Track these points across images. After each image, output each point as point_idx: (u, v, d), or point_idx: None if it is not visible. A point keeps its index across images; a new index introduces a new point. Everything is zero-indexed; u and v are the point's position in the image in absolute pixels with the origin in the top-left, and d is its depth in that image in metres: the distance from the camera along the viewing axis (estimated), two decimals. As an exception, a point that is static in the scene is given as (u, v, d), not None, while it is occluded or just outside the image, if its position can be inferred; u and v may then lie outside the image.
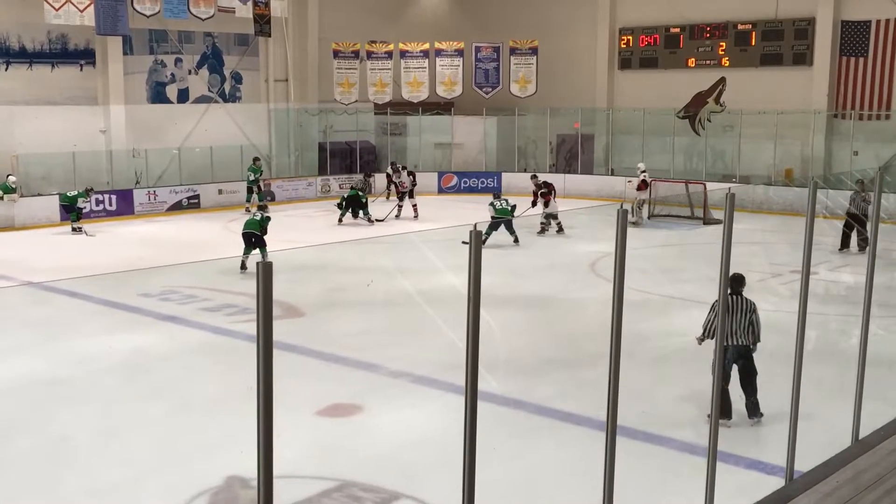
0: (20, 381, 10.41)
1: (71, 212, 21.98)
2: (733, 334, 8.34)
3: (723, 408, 7.94)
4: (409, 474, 7.71)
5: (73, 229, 21.68)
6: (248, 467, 7.32)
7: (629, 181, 23.55)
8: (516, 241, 19.64)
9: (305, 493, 7.24)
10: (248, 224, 16.59)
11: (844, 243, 18.63)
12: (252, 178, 25.66)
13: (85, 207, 22.31)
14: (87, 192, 22.48)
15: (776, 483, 6.76)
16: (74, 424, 9.08)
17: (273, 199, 27.13)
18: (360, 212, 23.12)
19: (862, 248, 18.23)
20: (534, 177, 23.16)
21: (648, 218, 23.32)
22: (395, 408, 9.59)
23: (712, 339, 8.08)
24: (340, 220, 22.96)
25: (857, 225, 18.65)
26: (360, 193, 23.53)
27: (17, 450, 8.40)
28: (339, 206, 23.30)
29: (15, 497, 7.42)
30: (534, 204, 21.47)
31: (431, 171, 29.89)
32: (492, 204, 20.35)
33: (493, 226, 19.48)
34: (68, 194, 22.22)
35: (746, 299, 8.49)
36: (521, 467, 7.90)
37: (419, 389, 10.13)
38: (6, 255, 18.80)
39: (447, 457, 6.90)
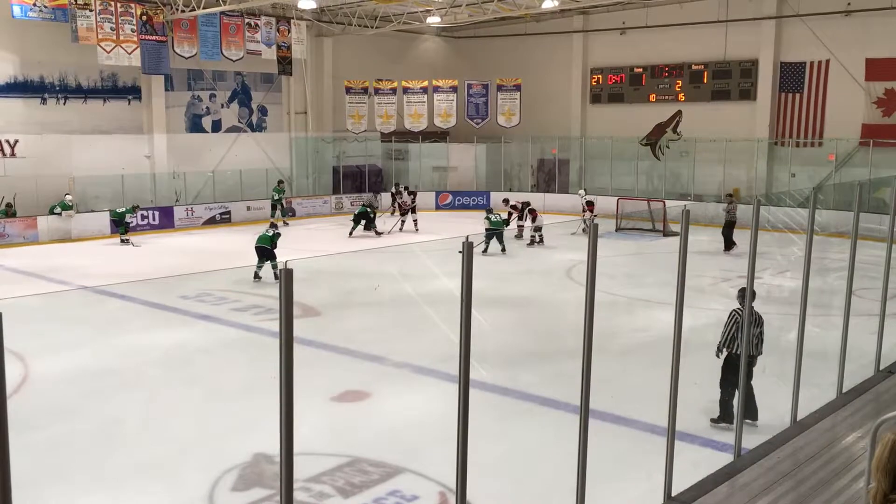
0: (76, 371, 10.38)
1: (119, 226, 21.86)
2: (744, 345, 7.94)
3: (751, 409, 7.80)
4: (411, 451, 7.68)
5: (122, 241, 21.60)
6: (273, 445, 7.30)
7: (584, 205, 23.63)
8: (503, 249, 19.69)
9: (321, 467, 7.21)
10: (260, 239, 16.29)
11: (728, 245, 19.68)
12: (276, 197, 25.79)
13: (132, 222, 22.22)
14: (134, 209, 22.42)
15: (726, 458, 6.75)
16: (123, 409, 9.05)
17: (294, 215, 27.16)
18: (369, 225, 23.17)
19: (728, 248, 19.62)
20: (505, 201, 23.35)
21: (616, 230, 23.35)
22: (399, 394, 9.56)
23: (730, 351, 7.81)
24: (351, 234, 22.93)
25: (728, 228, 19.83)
26: (369, 210, 23.51)
27: (74, 431, 8.36)
28: (355, 220, 23.32)
29: (73, 471, 7.38)
30: (507, 223, 21.42)
31: (430, 190, 29.89)
32: (487, 218, 20.48)
33: (489, 236, 19.61)
34: (117, 210, 22.15)
35: (757, 313, 7.94)
36: (507, 445, 7.89)
37: (419, 378, 10.11)
38: (64, 263, 18.73)
39: (443, 435, 6.88)
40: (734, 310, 7.94)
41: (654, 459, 6.25)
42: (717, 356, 7.98)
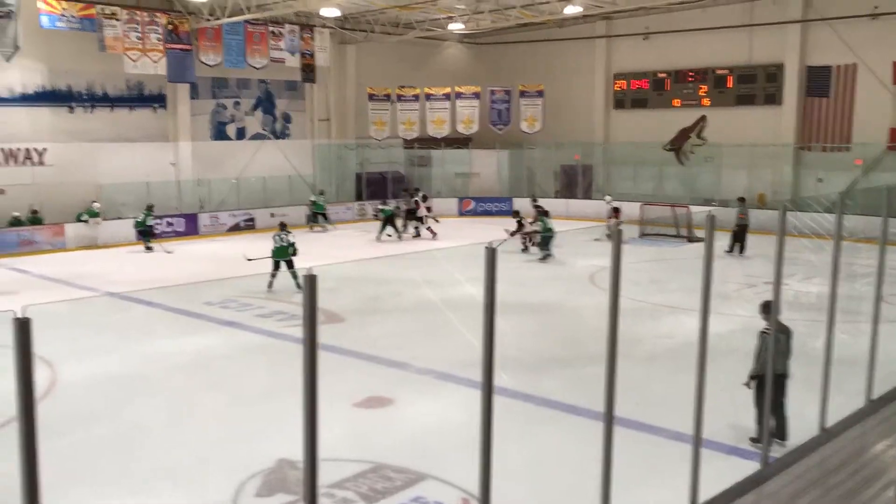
0: (103, 376, 10.48)
1: (145, 235, 21.93)
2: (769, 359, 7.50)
3: (780, 429, 7.57)
4: (434, 457, 7.66)
5: (147, 248, 21.72)
6: (296, 451, 7.32)
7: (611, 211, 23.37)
8: (548, 255, 19.59)
9: (344, 473, 7.22)
10: (277, 252, 15.99)
11: (732, 247, 19.91)
12: (319, 202, 26.50)
13: (155, 226, 22.26)
14: (150, 210, 22.28)
15: (753, 467, 6.67)
16: (148, 414, 9.11)
17: (319, 221, 27.38)
18: (392, 228, 23.33)
19: (741, 250, 19.77)
20: (534, 203, 23.13)
21: (640, 237, 23.21)
22: (421, 400, 9.55)
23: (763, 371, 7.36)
24: (379, 238, 23.25)
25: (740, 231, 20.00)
26: (395, 213, 23.79)
27: (99, 434, 8.44)
28: (383, 223, 23.65)
29: (98, 474, 7.45)
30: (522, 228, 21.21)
31: (452, 196, 29.94)
32: (541, 220, 20.06)
33: (544, 242, 19.36)
34: (138, 220, 22.15)
35: (787, 327, 7.63)
36: (530, 451, 7.85)
37: (442, 384, 10.08)
38: (91, 270, 18.95)
39: (466, 442, 6.86)
40: (762, 331, 7.60)
41: (678, 467, 6.19)
42: (748, 386, 7.63)
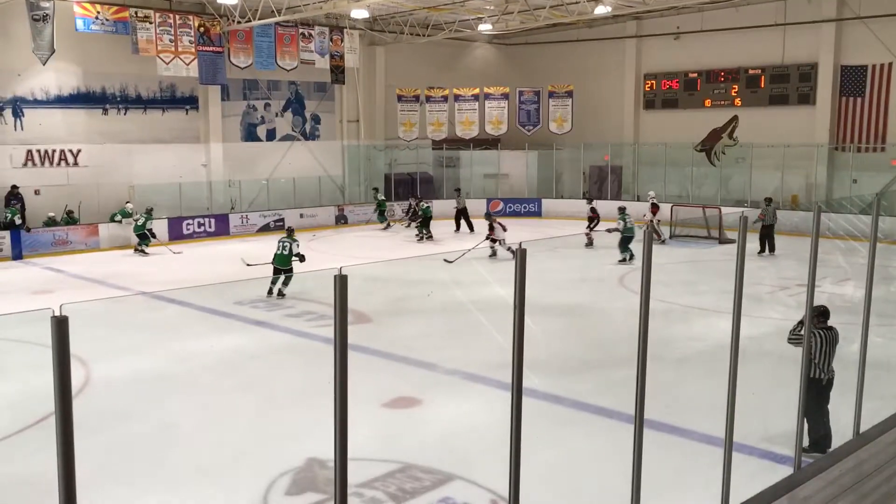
0: (135, 375, 10.61)
1: (144, 238, 21.42)
2: (827, 367, 7.49)
3: (824, 441, 7.44)
4: (462, 458, 7.66)
5: (141, 252, 21.23)
6: (325, 450, 7.36)
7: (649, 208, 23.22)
8: (631, 258, 18.81)
9: (373, 473, 7.25)
10: (277, 259, 15.29)
11: (763, 247, 19.67)
12: (379, 199, 27.18)
13: (151, 230, 21.58)
14: (150, 213, 21.86)
15: (786, 471, 6.59)
16: (179, 412, 9.22)
17: (346, 222, 27.59)
18: (424, 230, 23.54)
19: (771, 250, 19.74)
20: (589, 202, 23.17)
21: (670, 237, 23.04)
22: (450, 401, 9.56)
23: (811, 375, 7.28)
24: (422, 239, 23.60)
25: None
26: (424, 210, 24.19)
27: (132, 434, 8.54)
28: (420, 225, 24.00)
29: (130, 473, 7.54)
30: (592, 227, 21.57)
31: (481, 197, 29.88)
32: (623, 219, 19.28)
33: (625, 242, 19.02)
34: (137, 223, 21.55)
35: (835, 330, 7.53)
36: (559, 454, 7.82)
37: (470, 385, 10.08)
38: (123, 270, 19.22)
39: (495, 443, 6.86)
40: (816, 330, 7.47)
41: (710, 471, 6.13)
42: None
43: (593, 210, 22.28)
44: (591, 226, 21.84)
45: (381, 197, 27.71)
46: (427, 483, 7.16)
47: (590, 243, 21.47)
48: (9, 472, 7.56)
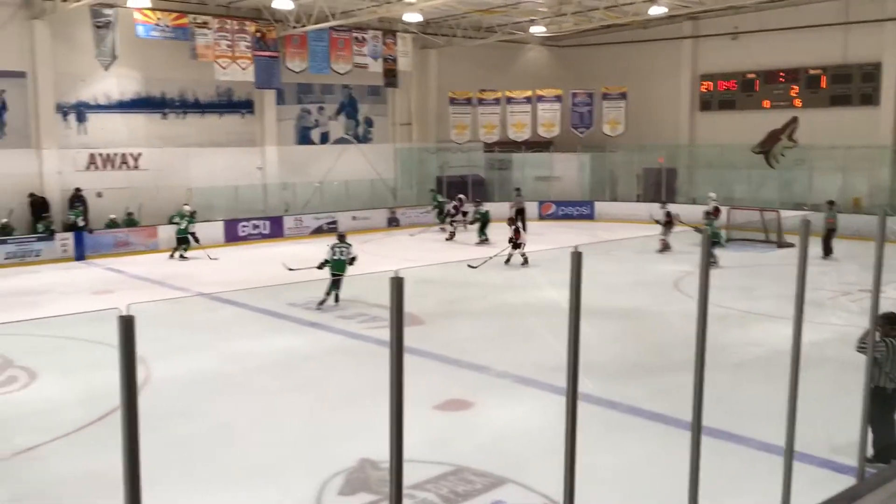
0: (192, 375, 10.84)
1: (184, 242, 21.35)
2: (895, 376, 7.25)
3: (889, 451, 7.22)
4: (515, 462, 7.64)
5: (181, 257, 21.07)
6: (377, 451, 7.43)
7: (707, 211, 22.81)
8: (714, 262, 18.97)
9: (425, 475, 7.28)
10: (336, 266, 14.94)
11: (827, 252, 19.58)
12: (438, 200, 27.33)
13: (193, 234, 21.36)
14: (193, 216, 21.78)
15: (847, 481, 6.42)
16: (235, 412, 9.38)
17: (398, 224, 27.71)
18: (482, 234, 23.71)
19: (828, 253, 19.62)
20: (664, 205, 22.89)
21: (727, 241, 22.61)
22: (502, 404, 9.53)
23: (875, 384, 7.08)
24: (482, 242, 23.67)
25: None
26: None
27: (188, 431, 8.72)
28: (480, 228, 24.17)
29: (186, 471, 7.70)
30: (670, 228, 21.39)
31: (532, 200, 29.74)
32: (709, 223, 19.64)
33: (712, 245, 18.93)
34: (180, 227, 21.38)
35: None
36: (613, 459, 7.74)
37: (523, 389, 10.05)
38: (182, 271, 19.63)
39: (548, 447, 6.81)
40: (886, 339, 7.27)
41: (768, 479, 6.01)
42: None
43: (669, 214, 21.77)
44: (667, 231, 21.41)
45: (441, 199, 27.68)
46: (479, 486, 7.16)
47: (665, 248, 21.08)
48: (75, 465, 7.80)
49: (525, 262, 19.17)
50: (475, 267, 16.66)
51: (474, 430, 8.74)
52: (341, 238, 15.76)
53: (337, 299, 15.07)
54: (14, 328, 13.21)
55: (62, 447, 8.27)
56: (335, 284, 14.80)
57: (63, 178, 22.71)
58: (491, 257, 17.82)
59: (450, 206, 26.27)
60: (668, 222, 21.50)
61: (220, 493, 7.22)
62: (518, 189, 27.86)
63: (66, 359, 11.57)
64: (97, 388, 9.81)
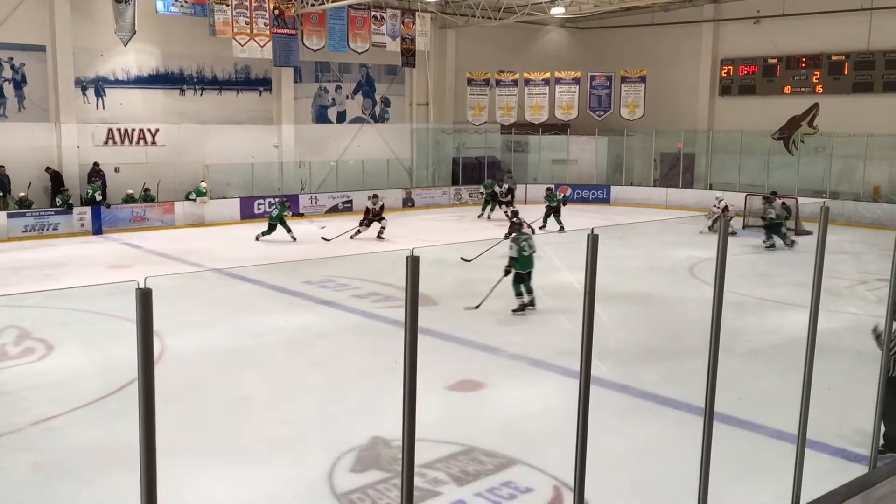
0: (208, 349, 10.91)
1: (273, 229, 20.33)
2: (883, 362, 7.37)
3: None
4: (526, 443, 7.68)
5: (292, 238, 20.23)
6: (389, 429, 7.48)
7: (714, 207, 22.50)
8: (790, 243, 19.27)
9: (436, 454, 7.32)
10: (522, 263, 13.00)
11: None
12: (488, 191, 25.67)
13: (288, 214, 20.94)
14: (284, 205, 21.24)
15: (860, 470, 6.41)
16: (250, 387, 9.45)
17: (413, 205, 27.69)
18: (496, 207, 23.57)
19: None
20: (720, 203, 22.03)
21: (743, 228, 22.42)
22: (514, 386, 9.57)
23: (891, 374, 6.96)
24: (489, 217, 23.50)
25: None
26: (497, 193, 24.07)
27: (205, 406, 8.81)
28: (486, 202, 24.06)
29: (204, 444, 7.78)
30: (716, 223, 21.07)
31: (549, 183, 29.64)
32: (771, 208, 19.61)
33: (771, 229, 19.12)
34: (273, 214, 20.77)
35: None
36: (625, 442, 7.75)
37: (535, 371, 10.06)
38: (197, 247, 19.73)
39: (559, 430, 6.84)
40: None
41: (780, 466, 6.01)
42: None
43: (726, 208, 20.85)
44: (714, 221, 20.99)
45: (487, 191, 25.95)
46: (490, 466, 7.19)
47: (732, 232, 20.76)
48: (92, 436, 7.91)
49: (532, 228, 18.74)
50: (469, 260, 16.60)
51: (486, 411, 8.77)
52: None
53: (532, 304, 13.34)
54: (31, 300, 13.36)
55: (78, 418, 8.38)
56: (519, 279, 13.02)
57: (81, 152, 22.83)
58: (486, 250, 17.75)
59: (502, 190, 25.34)
60: (725, 208, 21.11)
61: (235, 466, 7.30)
62: (510, 171, 27.81)
63: (83, 331, 11.68)
64: (113, 360, 9.91)
